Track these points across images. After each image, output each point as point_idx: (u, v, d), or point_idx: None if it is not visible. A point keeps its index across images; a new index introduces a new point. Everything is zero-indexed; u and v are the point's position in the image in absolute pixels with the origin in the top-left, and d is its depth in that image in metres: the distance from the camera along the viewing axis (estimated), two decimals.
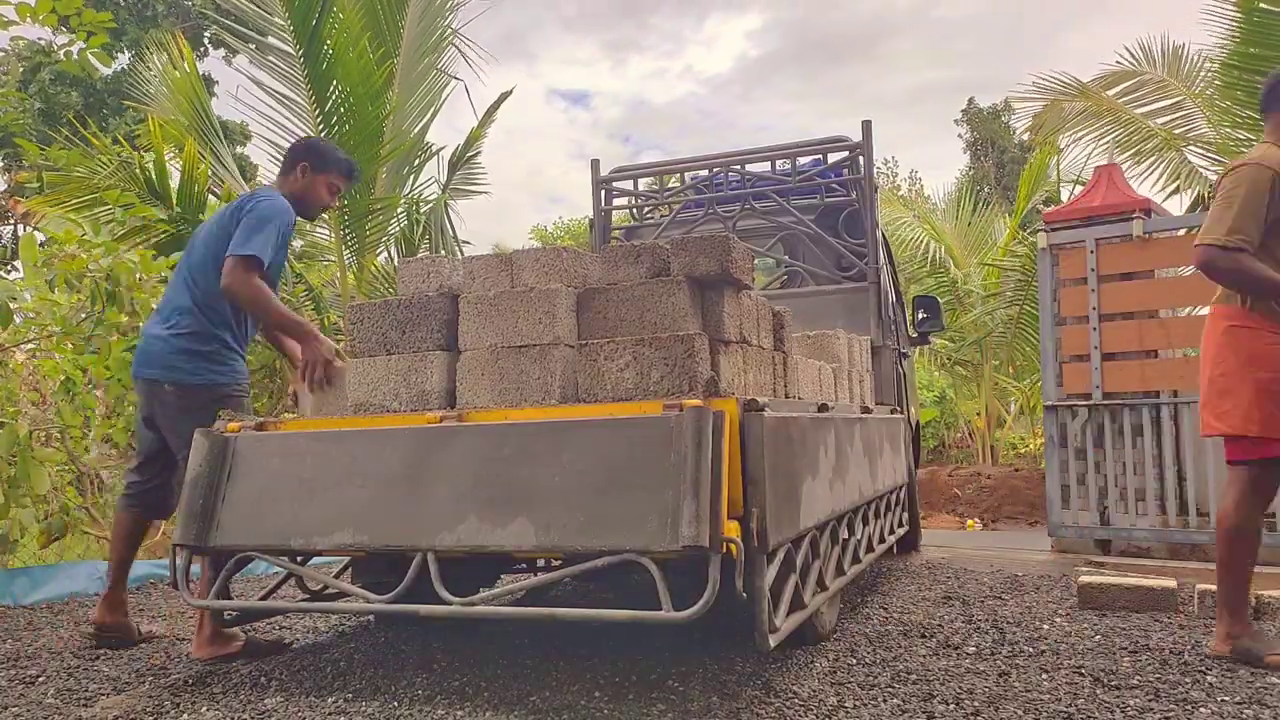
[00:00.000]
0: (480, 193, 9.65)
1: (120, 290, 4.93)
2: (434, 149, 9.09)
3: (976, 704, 2.68)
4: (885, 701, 2.73)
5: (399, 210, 8.68)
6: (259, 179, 15.17)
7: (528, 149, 54.83)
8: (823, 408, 3.43)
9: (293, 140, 8.04)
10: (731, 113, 61.65)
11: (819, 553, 3.21)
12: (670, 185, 6.49)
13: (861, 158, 5.56)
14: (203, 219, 7.08)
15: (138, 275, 5.13)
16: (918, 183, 29.63)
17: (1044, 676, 2.98)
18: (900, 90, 57.22)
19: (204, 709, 2.81)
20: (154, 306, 6.44)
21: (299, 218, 3.77)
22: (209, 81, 17.59)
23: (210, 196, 7.43)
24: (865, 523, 4.08)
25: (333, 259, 8.72)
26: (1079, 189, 8.67)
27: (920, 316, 6.54)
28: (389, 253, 9.08)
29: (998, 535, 8.11)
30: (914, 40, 59.87)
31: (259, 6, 7.96)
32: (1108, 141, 9.43)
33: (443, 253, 8.48)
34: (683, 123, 59.20)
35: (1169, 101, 9.41)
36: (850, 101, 60.31)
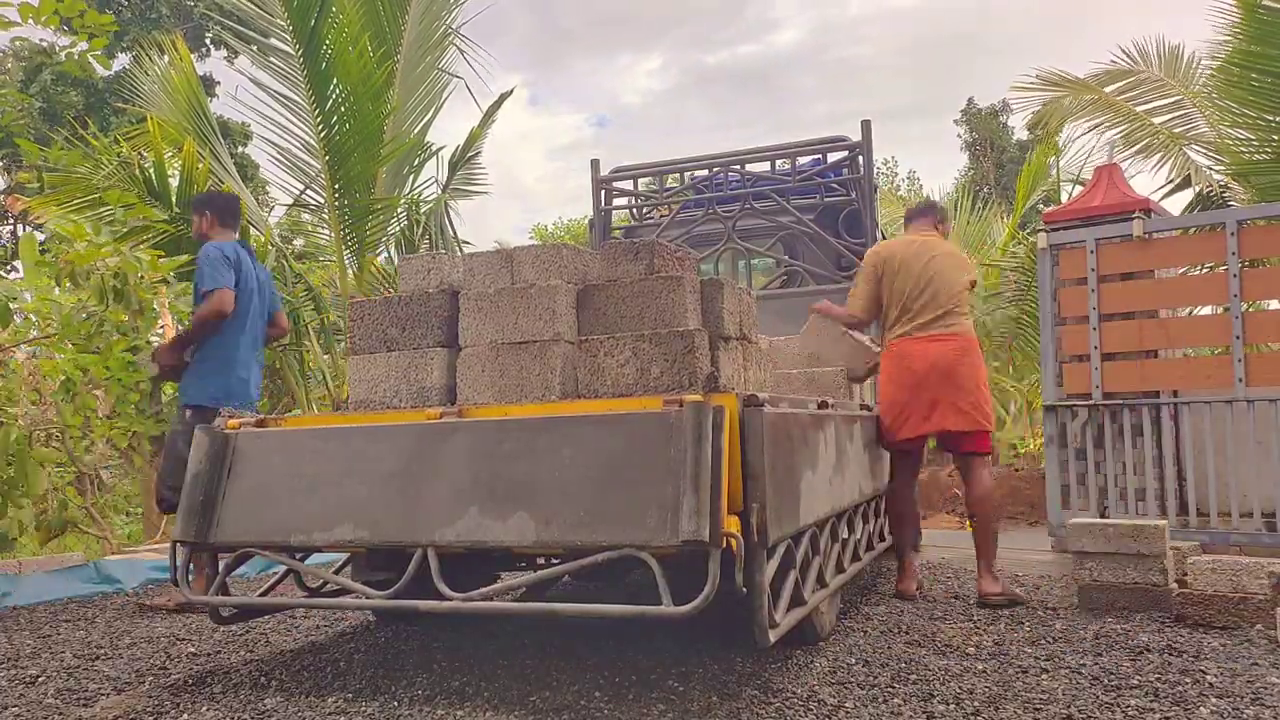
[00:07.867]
0: (480, 193, 9.68)
1: (127, 289, 4.94)
2: (434, 148, 9.11)
3: (976, 704, 2.68)
4: (885, 701, 2.72)
5: (399, 210, 8.67)
6: (259, 178, 15.18)
7: (504, 156, 57.32)
8: (822, 404, 3.43)
9: (293, 140, 8.10)
10: (655, 142, 64.99)
11: (819, 549, 3.20)
12: (670, 185, 6.48)
13: (861, 157, 5.56)
14: None
15: (141, 275, 5.13)
16: (917, 183, 29.67)
17: (1044, 676, 2.98)
18: (809, 119, 60.38)
19: (204, 709, 2.81)
20: (156, 307, 6.45)
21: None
22: (211, 82, 17.61)
23: None
24: (865, 521, 4.08)
25: (332, 259, 8.72)
26: (1078, 188, 8.66)
27: None
28: (389, 253, 9.09)
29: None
30: (812, 77, 63.17)
31: (260, 7, 7.97)
32: (1111, 137, 9.42)
33: (443, 251, 8.48)
34: (611, 152, 61.94)
35: (1167, 100, 9.40)
36: (763, 128, 63.27)
